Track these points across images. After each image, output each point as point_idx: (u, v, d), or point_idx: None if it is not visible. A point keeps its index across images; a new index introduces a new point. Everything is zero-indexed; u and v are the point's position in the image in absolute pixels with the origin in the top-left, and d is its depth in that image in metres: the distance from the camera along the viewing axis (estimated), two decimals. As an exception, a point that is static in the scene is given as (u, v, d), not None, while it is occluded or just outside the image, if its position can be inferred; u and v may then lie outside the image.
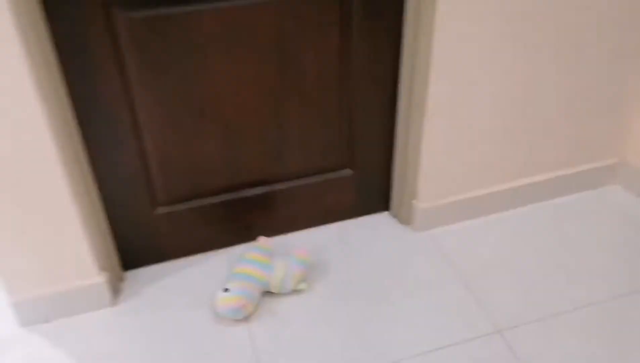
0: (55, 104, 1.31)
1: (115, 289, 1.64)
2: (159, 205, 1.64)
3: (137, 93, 1.43)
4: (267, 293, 1.64)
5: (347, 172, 1.79)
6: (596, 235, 1.83)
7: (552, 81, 1.70)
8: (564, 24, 1.60)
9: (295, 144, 1.67)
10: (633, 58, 1.76)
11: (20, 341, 1.53)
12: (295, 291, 1.65)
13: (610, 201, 1.97)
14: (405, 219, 1.86)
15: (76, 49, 1.32)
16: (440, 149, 1.71)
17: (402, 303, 1.61)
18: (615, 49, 1.71)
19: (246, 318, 1.57)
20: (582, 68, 1.71)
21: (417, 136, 1.67)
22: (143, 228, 1.66)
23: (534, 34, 1.58)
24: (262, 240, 1.69)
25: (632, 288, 1.64)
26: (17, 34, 1.17)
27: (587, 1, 1.58)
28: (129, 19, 1.31)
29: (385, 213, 1.93)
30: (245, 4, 1.38)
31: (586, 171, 1.95)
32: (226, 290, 1.53)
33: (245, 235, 1.79)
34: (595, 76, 1.75)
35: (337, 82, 1.60)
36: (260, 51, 1.47)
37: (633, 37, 1.71)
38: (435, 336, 1.52)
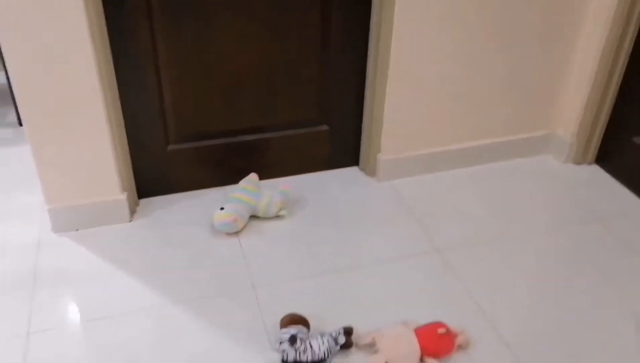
0: (100, 47, 1.70)
1: (132, 209, 2.02)
2: (171, 143, 2.03)
3: (161, 46, 1.83)
4: (255, 217, 2.03)
5: (324, 128, 2.19)
6: (529, 189, 2.23)
7: (493, 58, 2.12)
8: (504, 8, 2.02)
9: (283, 100, 2.07)
10: (559, 46, 2.18)
11: (54, 244, 1.90)
12: (277, 217, 2.03)
13: (542, 166, 2.38)
14: (370, 172, 2.26)
15: (118, 5, 1.72)
16: (400, 109, 2.11)
17: (362, 230, 2.01)
18: (544, 36, 2.14)
19: (237, 233, 1.96)
20: (516, 50, 2.14)
21: (381, 97, 2.08)
22: (156, 162, 2.04)
23: (479, 15, 2.00)
24: (253, 175, 2.08)
25: (554, 226, 2.05)
26: (77, -10, 1.57)
27: (518, -4, 2.01)
28: (159, -15, 1.72)
29: (355, 168, 2.33)
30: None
31: (523, 139, 2.36)
32: (222, 208, 1.92)
33: (238, 176, 2.16)
34: (529, 58, 2.17)
35: (318, 50, 2.00)
36: (257, 19, 1.87)
37: (559, 29, 2.14)
38: (386, 251, 1.91)
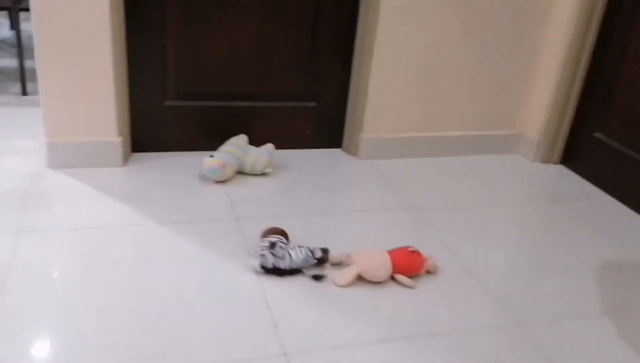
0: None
1: (125, 157, 2.13)
2: (168, 98, 2.18)
3: (169, 5, 2.02)
4: (242, 174, 2.14)
5: (312, 104, 2.36)
6: (498, 176, 2.39)
7: (466, 56, 2.34)
8: (478, 16, 2.27)
9: (276, 71, 2.25)
10: (527, 50, 2.43)
11: (47, 175, 1.99)
12: (263, 174, 2.15)
13: (511, 162, 2.55)
14: (353, 151, 2.41)
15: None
16: (381, 94, 2.30)
17: (342, 188, 2.14)
18: (513, 40, 2.38)
19: (224, 182, 2.07)
20: (488, 53, 2.37)
21: (365, 81, 2.27)
22: (152, 115, 2.17)
23: (455, 16, 2.25)
24: (243, 135, 2.21)
25: (519, 201, 2.20)
26: None
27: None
28: (176, -56, 1.94)
29: (339, 149, 2.48)
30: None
31: (493, 136, 2.55)
32: (211, 156, 2.04)
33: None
34: (499, 61, 2.40)
35: (310, 30, 2.21)
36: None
37: (526, 34, 2.39)
38: (363, 205, 2.04)
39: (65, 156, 2.03)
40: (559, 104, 2.43)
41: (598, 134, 2.36)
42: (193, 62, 2.14)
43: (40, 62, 1.89)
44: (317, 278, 1.59)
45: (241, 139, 2.17)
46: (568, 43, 2.33)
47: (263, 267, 1.58)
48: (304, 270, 1.60)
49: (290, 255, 1.59)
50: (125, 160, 2.14)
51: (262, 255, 1.58)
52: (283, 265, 1.58)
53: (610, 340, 1.50)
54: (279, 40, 2.20)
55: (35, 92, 2.69)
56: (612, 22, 2.28)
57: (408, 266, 1.61)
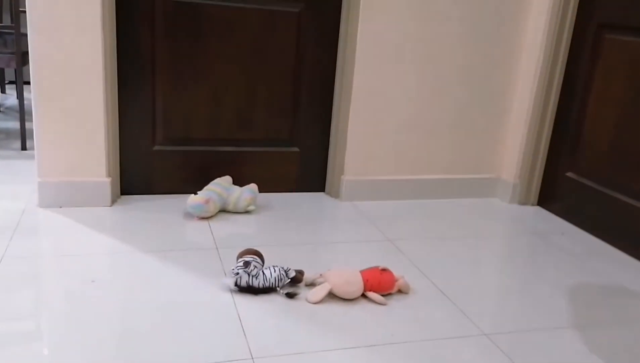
0: (109, 46, 2.06)
1: (113, 197, 2.22)
2: (157, 144, 2.30)
3: (159, 55, 2.19)
4: (225, 212, 2.22)
5: (295, 149, 2.47)
6: (477, 216, 2.46)
7: (443, 105, 2.49)
8: (449, 68, 2.44)
9: (260, 118, 2.39)
10: (500, 98, 2.57)
11: (37, 212, 2.08)
12: (246, 212, 2.23)
13: (489, 204, 2.63)
14: (335, 194, 2.50)
15: (128, 15, 2.11)
16: (361, 136, 2.42)
17: (323, 225, 2.21)
18: (488, 89, 2.53)
19: (207, 219, 2.14)
20: (463, 99, 2.51)
21: (345, 124, 2.40)
22: (141, 159, 2.29)
23: (429, 69, 2.41)
24: (227, 176, 2.31)
25: (496, 234, 2.26)
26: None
27: (471, 50, 2.44)
28: (166, 0, 2.14)
29: (321, 193, 2.57)
30: (238, 6, 2.22)
31: (473, 179, 2.64)
32: (195, 193, 2.13)
33: (214, 187, 2.40)
34: (476, 106, 2.54)
35: (291, 78, 2.37)
36: (243, 45, 2.27)
37: (498, 85, 2.54)
38: (342, 238, 2.11)
39: (55, 196, 2.12)
40: (531, 147, 2.54)
41: (570, 174, 2.45)
42: (181, 109, 2.29)
43: (36, 106, 2.03)
44: (290, 295, 1.64)
45: (225, 180, 2.27)
46: (536, 89, 2.48)
47: (237, 285, 1.63)
48: (277, 288, 1.65)
49: (264, 274, 1.64)
50: (114, 201, 2.23)
51: (237, 274, 1.63)
52: (257, 283, 1.63)
53: (578, 351, 1.52)
54: (262, 88, 2.36)
55: (34, 148, 2.84)
56: (575, 67, 2.43)
57: (379, 283, 1.66)
